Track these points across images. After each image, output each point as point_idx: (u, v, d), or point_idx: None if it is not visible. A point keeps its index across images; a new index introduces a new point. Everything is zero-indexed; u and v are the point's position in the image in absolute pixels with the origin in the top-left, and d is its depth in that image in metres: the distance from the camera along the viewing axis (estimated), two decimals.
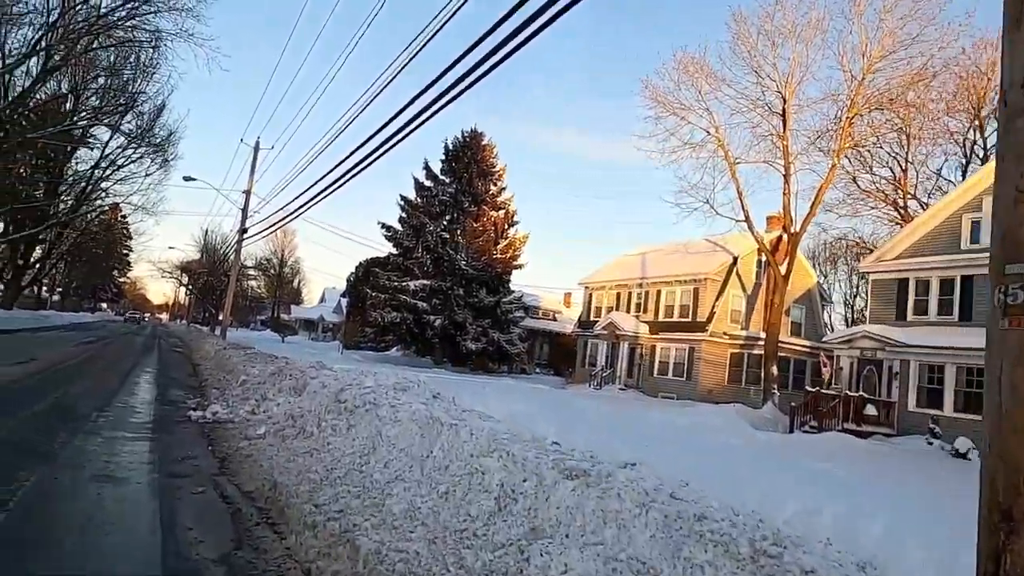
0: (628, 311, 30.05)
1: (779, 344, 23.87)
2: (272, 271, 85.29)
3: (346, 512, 4.42)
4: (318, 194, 15.28)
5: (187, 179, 27.16)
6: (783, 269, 23.10)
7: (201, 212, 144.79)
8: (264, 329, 78.40)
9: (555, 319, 49.09)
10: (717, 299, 26.39)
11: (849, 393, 16.36)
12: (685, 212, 25.06)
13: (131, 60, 29.03)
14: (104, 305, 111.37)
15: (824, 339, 22.58)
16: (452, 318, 34.36)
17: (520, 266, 36.69)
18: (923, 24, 22.64)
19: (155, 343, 31.73)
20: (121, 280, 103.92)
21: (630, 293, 30.38)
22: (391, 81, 9.77)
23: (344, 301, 77.43)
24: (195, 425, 8.94)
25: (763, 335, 24.87)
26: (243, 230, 25.63)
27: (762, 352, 25.21)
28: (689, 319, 26.96)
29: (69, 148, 34.35)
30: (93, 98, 30.98)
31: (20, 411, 8.21)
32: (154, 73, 31.88)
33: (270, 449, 6.95)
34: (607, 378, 28.38)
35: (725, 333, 26.35)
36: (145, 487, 5.53)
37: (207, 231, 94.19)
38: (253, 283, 78.00)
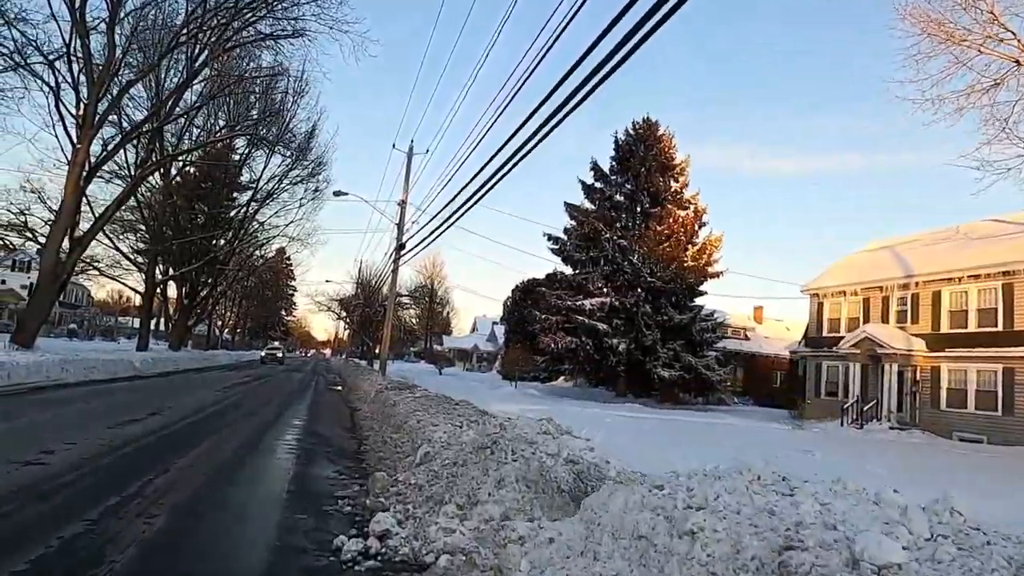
0: (884, 321, 22.58)
1: None
2: (424, 301, 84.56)
3: None
4: (476, 192, 11.66)
5: (337, 194, 24.10)
6: None
7: (356, 229, 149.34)
8: (418, 361, 77.01)
9: (747, 337, 41.63)
10: None
11: None
12: (997, 173, 17.38)
13: (283, 75, 26.93)
14: (277, 343, 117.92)
15: None
16: (639, 340, 28.57)
17: (717, 274, 30.22)
18: None
19: (312, 381, 28.98)
20: (288, 319, 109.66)
21: (886, 298, 22.86)
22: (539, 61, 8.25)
23: (499, 329, 74.18)
24: None
25: None
26: (401, 245, 21.77)
27: None
28: (997, 328, 19.12)
29: (224, 177, 33.26)
30: (246, 118, 29.37)
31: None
32: (304, 94, 29.82)
33: None
34: (869, 413, 21.04)
35: None
36: None
37: (361, 262, 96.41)
38: (410, 312, 76.90)
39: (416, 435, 8.62)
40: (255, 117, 23.56)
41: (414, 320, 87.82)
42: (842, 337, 23.87)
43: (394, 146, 26.11)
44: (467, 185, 12.73)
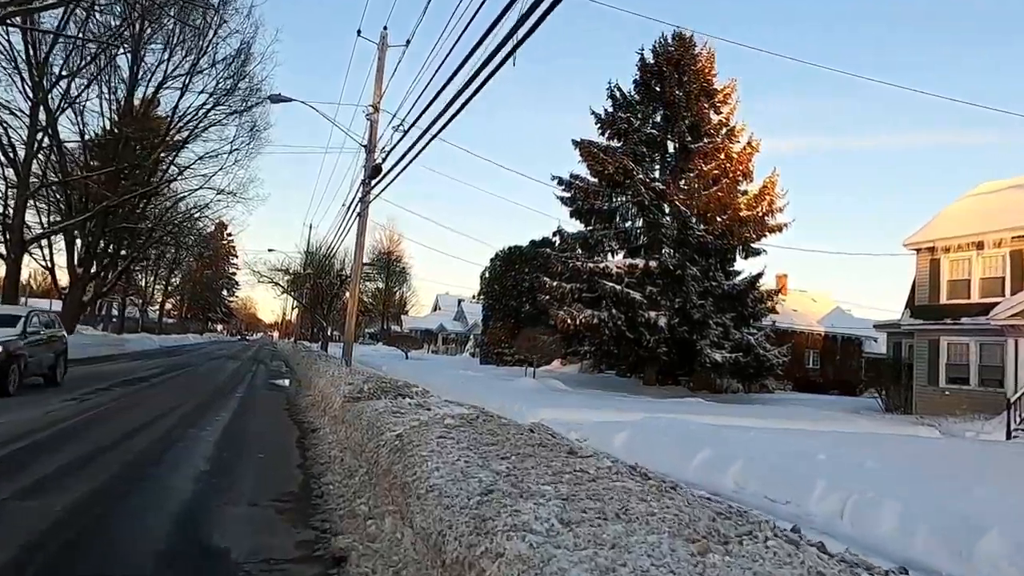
0: None
1: None
2: (382, 274, 76.46)
3: None
4: (466, 86, 7.74)
5: (276, 100, 16.41)
6: None
7: (313, 148, 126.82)
8: (375, 343, 68.92)
9: (776, 311, 35.56)
10: None
11: None
12: None
13: None
14: (219, 327, 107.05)
15: None
16: (687, 313, 21.86)
17: (779, 227, 23.67)
18: None
19: (250, 373, 21.39)
20: (231, 300, 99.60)
21: None
22: None
23: (468, 307, 66.81)
24: None
25: None
26: (376, 168, 14.32)
27: None
28: None
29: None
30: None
31: None
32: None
33: None
34: None
35: None
36: None
37: (310, 227, 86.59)
38: (368, 285, 68.30)
39: None
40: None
41: (368, 298, 79.44)
42: (975, 305, 17.72)
43: (359, 33, 18.53)
44: (456, 73, 7.92)
